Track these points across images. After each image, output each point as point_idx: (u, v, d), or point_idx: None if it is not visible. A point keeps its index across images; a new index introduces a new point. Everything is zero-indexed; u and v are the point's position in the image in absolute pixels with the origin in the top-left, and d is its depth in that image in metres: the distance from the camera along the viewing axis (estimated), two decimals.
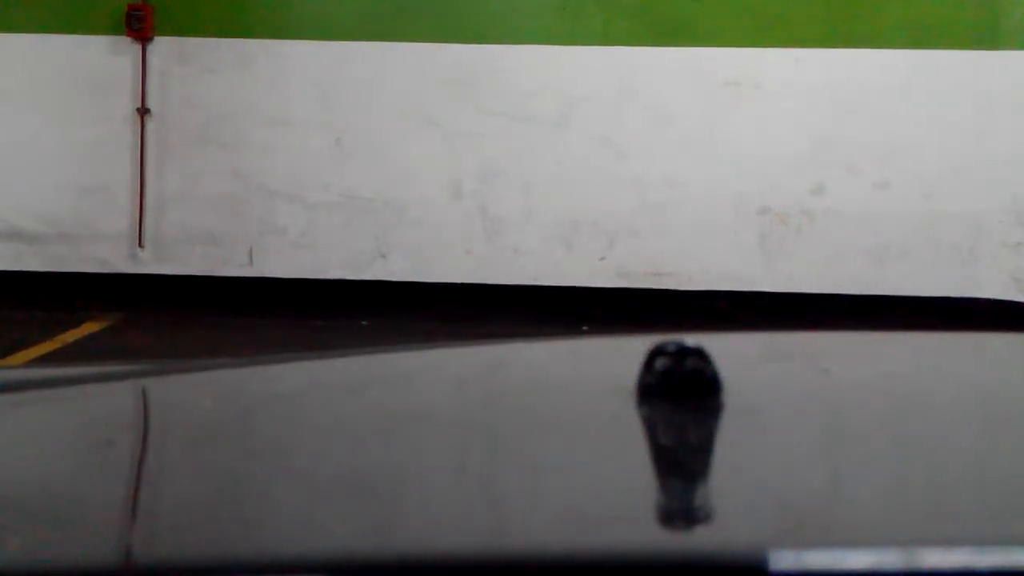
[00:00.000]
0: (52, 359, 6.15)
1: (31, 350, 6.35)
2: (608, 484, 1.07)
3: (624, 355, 1.41)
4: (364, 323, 7.29)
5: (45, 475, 1.14)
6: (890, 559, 0.88)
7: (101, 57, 7.56)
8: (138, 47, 7.56)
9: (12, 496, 1.07)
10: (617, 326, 7.27)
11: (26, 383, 1.60)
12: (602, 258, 7.53)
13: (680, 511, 1.01)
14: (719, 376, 1.21)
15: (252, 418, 1.38)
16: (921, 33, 7.34)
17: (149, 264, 7.64)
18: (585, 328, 7.27)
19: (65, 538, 0.95)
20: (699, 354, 1.21)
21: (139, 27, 7.52)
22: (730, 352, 1.47)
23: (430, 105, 7.50)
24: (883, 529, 0.95)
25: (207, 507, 1.03)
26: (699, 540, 0.96)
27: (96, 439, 1.31)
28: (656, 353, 1.22)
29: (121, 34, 7.54)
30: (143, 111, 7.59)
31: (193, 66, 7.55)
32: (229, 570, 0.90)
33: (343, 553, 0.92)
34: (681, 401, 1.22)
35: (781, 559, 0.88)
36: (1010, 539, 0.93)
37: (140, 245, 7.65)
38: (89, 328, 7.00)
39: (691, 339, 1.25)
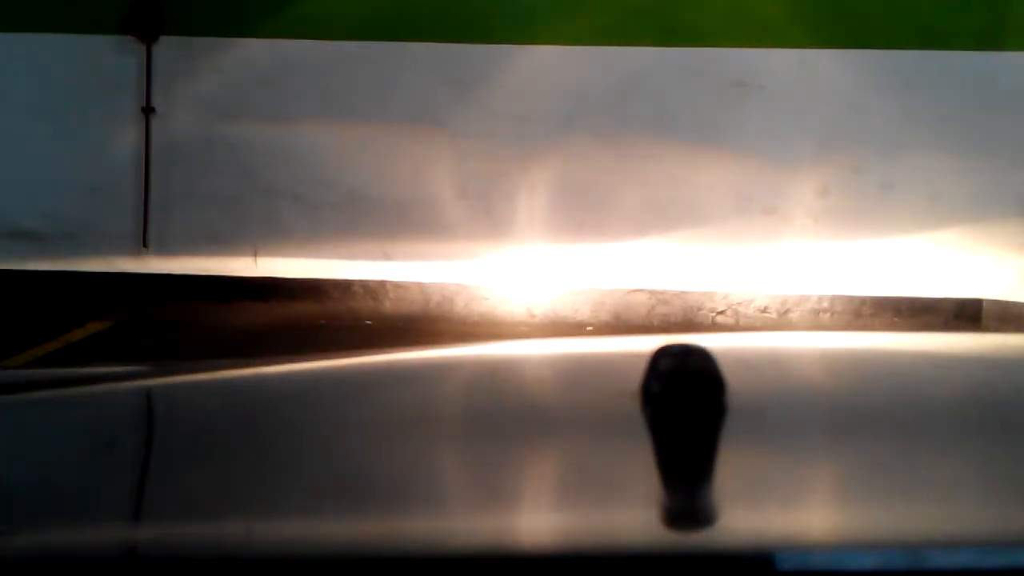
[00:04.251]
0: (56, 358, 6.16)
1: (36, 349, 6.35)
2: (613, 485, 1.07)
3: (629, 356, 1.41)
4: (368, 323, 7.29)
5: (48, 475, 1.14)
6: (895, 559, 0.88)
7: (106, 56, 7.57)
8: (143, 46, 7.57)
9: (15, 496, 1.07)
10: (622, 327, 7.28)
11: (30, 384, 1.60)
12: (607, 259, 7.53)
13: (686, 512, 1.01)
14: (723, 377, 1.21)
15: (256, 419, 1.38)
16: (926, 34, 7.34)
17: (153, 264, 7.65)
18: (589, 329, 7.28)
19: (68, 539, 0.95)
20: (703, 355, 1.21)
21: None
22: (734, 353, 1.47)
23: (435, 105, 7.50)
24: (888, 529, 0.95)
25: (210, 508, 1.03)
26: (705, 541, 0.96)
27: (99, 440, 1.31)
28: (661, 354, 1.22)
29: (127, 33, 7.55)
30: (148, 110, 7.60)
31: (198, 65, 7.55)
32: (232, 570, 0.90)
33: (346, 553, 0.92)
34: (686, 402, 1.22)
35: (787, 559, 0.88)
36: (1014, 540, 0.93)
37: (144, 245, 7.66)
38: (93, 328, 7.01)
39: (695, 340, 1.25)
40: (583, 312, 7.50)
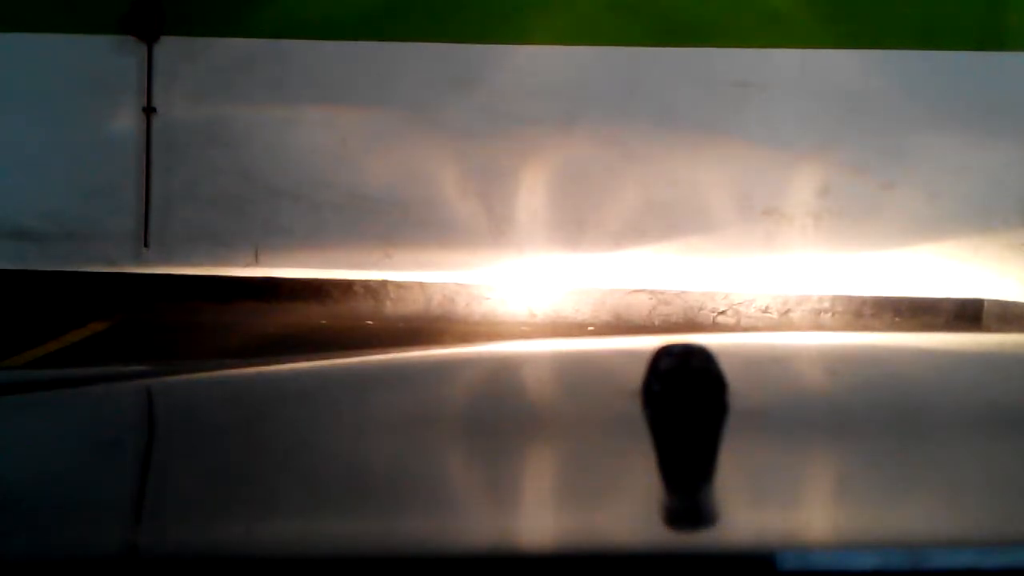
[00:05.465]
0: (57, 358, 6.16)
1: (36, 350, 6.35)
2: (614, 485, 1.07)
3: (630, 356, 1.41)
4: (369, 323, 7.30)
5: (48, 475, 1.14)
6: (896, 559, 0.88)
7: (108, 57, 7.57)
8: (144, 46, 7.57)
9: (15, 496, 1.07)
10: (623, 327, 7.28)
11: (30, 384, 1.60)
12: (608, 259, 7.53)
13: (687, 512, 1.01)
14: (724, 377, 1.21)
15: (256, 419, 1.38)
16: (927, 34, 7.34)
17: (154, 264, 7.65)
18: (591, 328, 7.28)
19: (68, 539, 0.95)
20: (704, 355, 1.21)
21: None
22: (735, 353, 1.47)
23: (436, 105, 7.50)
24: (889, 529, 0.95)
25: (211, 509, 1.03)
26: (706, 540, 0.96)
27: (99, 440, 1.31)
28: (662, 354, 1.22)
29: (128, 33, 7.55)
30: (149, 110, 7.60)
31: (199, 65, 7.55)
32: (232, 570, 0.90)
33: (346, 553, 0.92)
34: (686, 402, 1.21)
35: (788, 559, 0.88)
36: (1014, 540, 0.93)
37: (145, 244, 7.66)
38: (94, 328, 7.01)
39: (696, 340, 1.25)
40: (584, 312, 7.50)
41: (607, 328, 7.25)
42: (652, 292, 7.53)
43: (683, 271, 7.52)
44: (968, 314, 7.31)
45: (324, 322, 7.22)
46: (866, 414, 1.29)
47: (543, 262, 7.56)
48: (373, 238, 7.61)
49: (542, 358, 1.72)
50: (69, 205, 7.63)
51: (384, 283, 7.58)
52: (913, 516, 0.99)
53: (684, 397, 1.21)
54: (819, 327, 7.23)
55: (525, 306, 7.49)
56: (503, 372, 1.62)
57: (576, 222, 7.55)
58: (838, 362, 1.61)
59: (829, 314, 7.43)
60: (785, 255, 7.50)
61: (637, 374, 1.23)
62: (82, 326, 6.99)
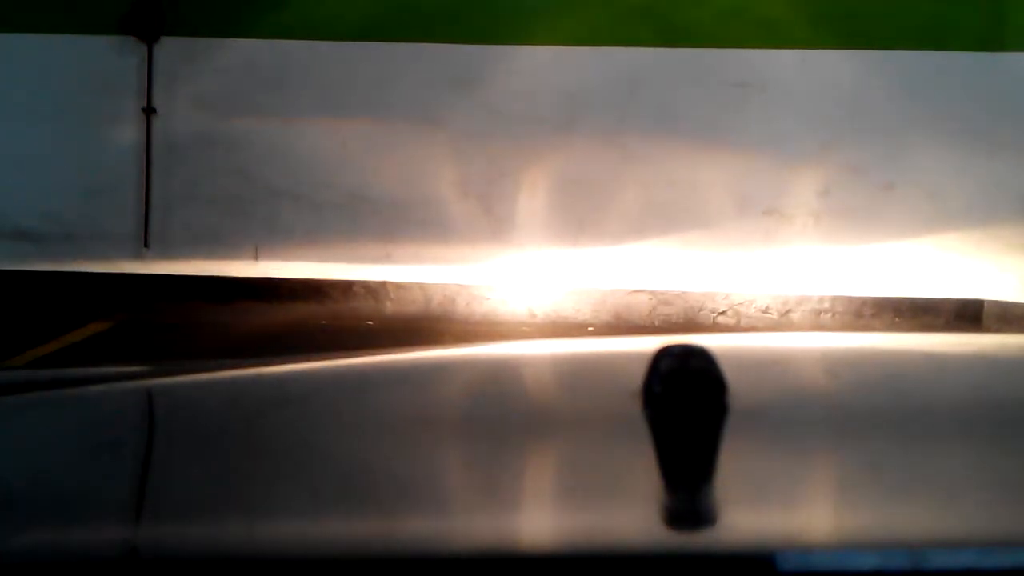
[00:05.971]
0: (57, 358, 6.16)
1: (36, 350, 6.35)
2: (614, 485, 1.07)
3: (630, 356, 1.41)
4: (369, 323, 7.30)
5: (48, 475, 1.14)
6: (896, 560, 0.88)
7: (108, 57, 7.57)
8: (144, 47, 7.57)
9: (15, 496, 1.07)
10: (623, 327, 7.28)
11: (30, 384, 1.60)
12: (608, 259, 7.53)
13: (687, 512, 1.01)
14: (724, 378, 1.21)
15: (256, 419, 1.37)
16: (927, 35, 7.34)
17: (154, 264, 7.65)
18: (591, 329, 7.28)
19: (68, 539, 0.95)
20: (704, 356, 1.21)
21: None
22: (735, 354, 1.47)
23: (436, 105, 7.50)
24: (889, 530, 0.95)
25: (210, 508, 1.03)
26: (706, 541, 0.96)
27: (99, 440, 1.31)
28: (662, 355, 1.22)
29: (128, 34, 7.55)
30: (149, 111, 7.60)
31: (199, 66, 7.55)
32: (232, 570, 0.90)
33: (347, 554, 0.92)
34: (687, 403, 1.21)
35: (788, 559, 0.88)
36: (1014, 540, 0.93)
37: (146, 244, 7.66)
38: (94, 328, 7.01)
39: (696, 341, 1.25)
40: (584, 312, 7.50)
41: (607, 328, 7.25)
42: (652, 292, 7.53)
43: (683, 271, 7.52)
44: (968, 314, 7.32)
45: (324, 322, 7.22)
46: (866, 414, 1.29)
47: (543, 262, 7.56)
48: (373, 238, 7.61)
49: (542, 358, 1.72)
50: (69, 205, 7.63)
51: (384, 283, 7.58)
52: (913, 516, 0.99)
53: (684, 398, 1.21)
54: (819, 327, 7.23)
55: (525, 306, 7.49)
56: (503, 372, 1.62)
57: (576, 222, 7.55)
58: (838, 362, 1.60)
59: (829, 314, 7.43)
60: (785, 255, 7.50)
61: (637, 375, 1.23)
62: (82, 326, 6.99)
